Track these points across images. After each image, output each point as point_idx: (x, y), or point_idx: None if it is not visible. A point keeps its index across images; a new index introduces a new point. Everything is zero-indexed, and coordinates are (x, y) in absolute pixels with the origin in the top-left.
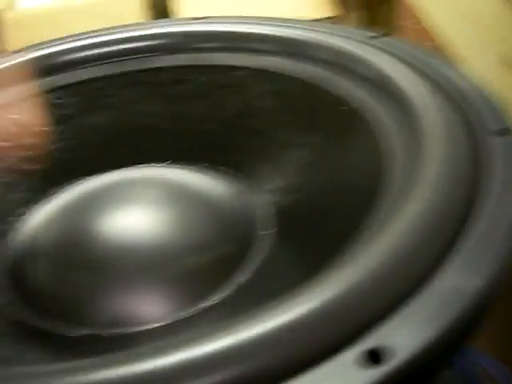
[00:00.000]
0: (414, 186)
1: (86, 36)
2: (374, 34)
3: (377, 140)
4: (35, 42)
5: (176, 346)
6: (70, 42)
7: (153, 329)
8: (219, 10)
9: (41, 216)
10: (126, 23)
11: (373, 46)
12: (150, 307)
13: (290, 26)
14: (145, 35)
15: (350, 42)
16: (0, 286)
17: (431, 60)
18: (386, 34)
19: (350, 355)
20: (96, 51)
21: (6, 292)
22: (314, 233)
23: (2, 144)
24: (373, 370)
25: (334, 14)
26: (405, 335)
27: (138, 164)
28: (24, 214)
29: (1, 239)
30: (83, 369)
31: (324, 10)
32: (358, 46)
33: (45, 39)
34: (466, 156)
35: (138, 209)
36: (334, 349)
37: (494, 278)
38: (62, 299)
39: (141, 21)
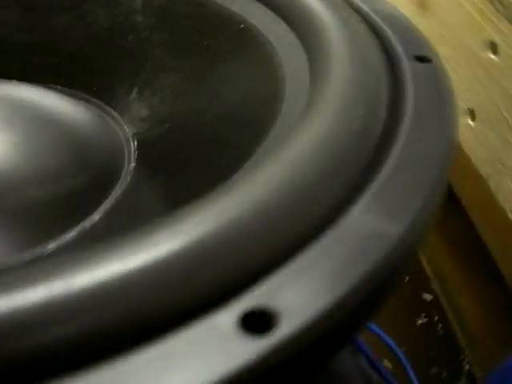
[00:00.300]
0: (315, 109)
1: None
2: None
3: (272, 63)
4: None
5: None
6: None
7: None
8: None
9: None
10: None
11: None
12: None
13: None
14: None
15: None
16: None
17: None
18: None
19: (224, 318)
20: None
21: None
22: (183, 167)
23: None
24: (252, 340)
25: None
26: (298, 294)
27: None
28: None
29: None
30: None
31: None
32: None
33: None
34: (379, 79)
35: None
36: (201, 307)
37: (413, 223)
38: None
39: None
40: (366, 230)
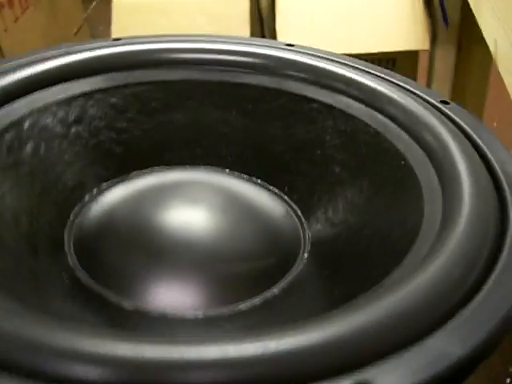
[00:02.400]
0: (440, 251)
1: (182, 39)
2: (443, 99)
3: (422, 201)
4: (140, 29)
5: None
6: (168, 41)
7: (190, 318)
8: (317, 31)
9: (113, 196)
10: (230, 25)
11: (440, 111)
12: (191, 298)
13: (371, 74)
14: (239, 51)
15: (421, 103)
16: (69, 250)
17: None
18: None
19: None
20: (189, 55)
21: (72, 257)
22: (344, 267)
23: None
24: None
25: (421, 48)
26: (388, 379)
27: (204, 164)
28: (99, 188)
29: (72, 209)
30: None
31: (412, 42)
32: (427, 110)
33: (149, 27)
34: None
35: (198, 209)
36: (334, 373)
37: (475, 350)
38: (118, 274)
39: (246, 25)
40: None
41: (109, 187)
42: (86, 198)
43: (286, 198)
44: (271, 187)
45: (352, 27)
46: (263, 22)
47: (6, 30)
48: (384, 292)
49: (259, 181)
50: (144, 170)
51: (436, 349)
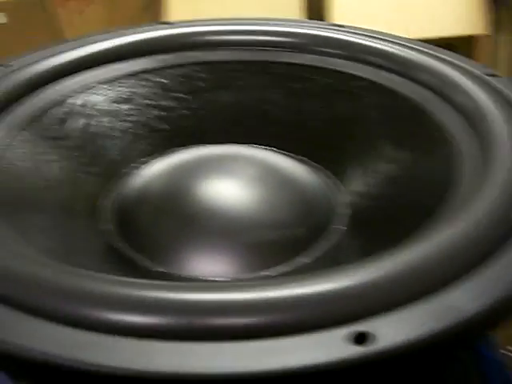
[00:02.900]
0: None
1: (231, 22)
2: (493, 73)
3: (458, 168)
4: (194, 17)
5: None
6: (217, 24)
7: (219, 281)
8: (373, 15)
9: (154, 168)
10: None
11: (488, 83)
12: (221, 263)
13: (414, 48)
14: (283, 32)
15: (466, 75)
16: (106, 217)
17: None
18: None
19: (340, 332)
20: (238, 37)
21: (109, 222)
22: (378, 239)
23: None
24: (354, 348)
25: (479, 33)
26: (388, 330)
27: (246, 143)
28: (143, 162)
29: (113, 180)
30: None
31: (469, 26)
32: (472, 82)
33: (203, 15)
34: None
35: (234, 179)
36: (335, 323)
37: (490, 308)
38: (152, 240)
39: (299, 12)
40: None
41: (150, 161)
42: (128, 170)
43: (327, 172)
44: (312, 162)
45: (408, 12)
46: (316, 9)
47: (70, 22)
48: (405, 245)
49: (300, 157)
50: (188, 146)
51: (447, 303)
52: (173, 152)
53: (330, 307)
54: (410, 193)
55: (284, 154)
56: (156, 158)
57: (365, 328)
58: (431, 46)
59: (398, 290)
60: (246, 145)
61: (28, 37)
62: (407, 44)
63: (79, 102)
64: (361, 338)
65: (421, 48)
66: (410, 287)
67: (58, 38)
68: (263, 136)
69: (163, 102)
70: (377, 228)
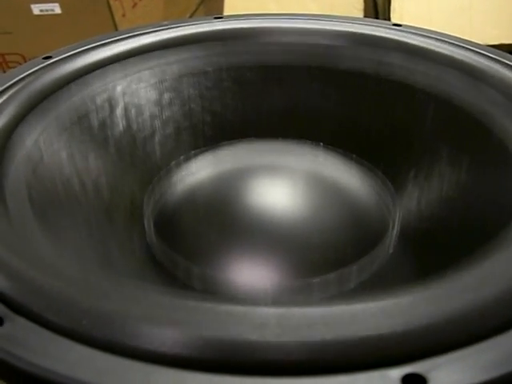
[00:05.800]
0: None
1: (284, 18)
2: None
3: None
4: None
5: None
6: (270, 21)
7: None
8: (434, 19)
9: (199, 169)
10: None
11: None
12: (262, 270)
13: (480, 54)
14: (339, 31)
15: None
16: (149, 226)
17: None
18: None
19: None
20: (289, 37)
21: (148, 222)
22: (434, 246)
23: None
24: None
25: None
26: (450, 373)
27: (298, 138)
28: (186, 156)
29: (156, 176)
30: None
31: None
32: None
33: (260, 8)
34: None
35: (283, 185)
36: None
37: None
38: (193, 243)
39: (358, 13)
40: None
41: (196, 156)
42: (172, 165)
43: (380, 173)
44: (366, 162)
45: (471, 17)
46: (377, 9)
47: (123, 15)
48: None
49: (354, 156)
50: (233, 141)
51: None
52: (218, 147)
53: (385, 346)
54: (467, 203)
55: (338, 151)
56: (201, 151)
57: (418, 370)
58: (498, 51)
59: (459, 331)
60: (297, 140)
61: (81, 28)
62: (469, 47)
63: (120, 88)
64: (413, 381)
65: (489, 54)
66: (472, 328)
67: (110, 31)
68: (316, 132)
69: (208, 93)
70: (428, 250)
